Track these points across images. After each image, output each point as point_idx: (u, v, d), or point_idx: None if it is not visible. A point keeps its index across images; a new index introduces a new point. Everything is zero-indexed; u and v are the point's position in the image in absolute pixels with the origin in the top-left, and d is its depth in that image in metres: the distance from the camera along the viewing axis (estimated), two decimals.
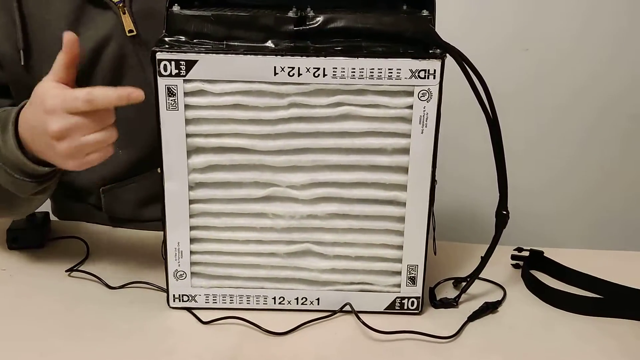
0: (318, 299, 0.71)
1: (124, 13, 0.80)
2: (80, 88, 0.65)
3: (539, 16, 1.31)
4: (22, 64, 0.80)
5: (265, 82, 0.64)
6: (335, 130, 0.66)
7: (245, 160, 0.67)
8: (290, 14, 0.64)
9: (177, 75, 0.63)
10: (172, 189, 0.67)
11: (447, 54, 0.64)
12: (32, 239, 0.84)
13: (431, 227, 0.70)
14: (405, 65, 0.63)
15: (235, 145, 0.66)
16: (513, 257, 0.84)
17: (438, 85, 0.64)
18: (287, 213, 0.68)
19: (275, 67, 0.63)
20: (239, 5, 0.67)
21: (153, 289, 0.75)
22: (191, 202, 0.68)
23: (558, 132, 1.37)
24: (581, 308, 0.74)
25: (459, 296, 0.74)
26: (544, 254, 0.82)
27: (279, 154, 0.67)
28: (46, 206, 1.00)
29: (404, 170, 0.67)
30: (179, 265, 0.70)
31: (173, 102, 0.64)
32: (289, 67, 0.63)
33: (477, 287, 0.76)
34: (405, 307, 0.72)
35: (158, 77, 0.63)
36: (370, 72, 0.63)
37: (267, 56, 0.63)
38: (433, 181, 0.67)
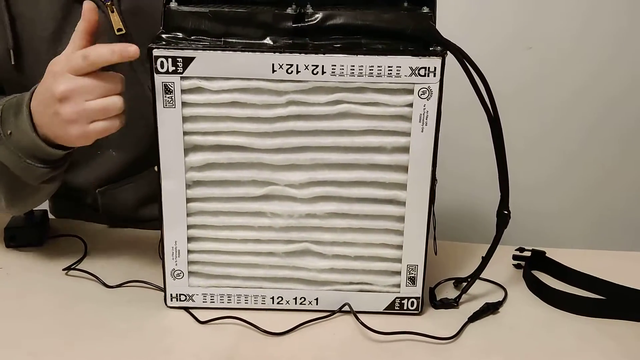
0: (317, 299, 0.71)
1: (112, 12, 0.79)
2: None
3: (540, 15, 1.30)
4: (13, 63, 0.79)
5: (263, 80, 0.63)
6: (334, 129, 0.65)
7: (243, 158, 0.66)
8: (289, 10, 0.64)
9: (174, 72, 0.63)
10: (169, 187, 0.67)
11: (448, 52, 0.63)
12: (30, 237, 0.84)
13: (432, 226, 0.70)
14: (406, 62, 0.62)
15: (233, 143, 0.66)
16: (514, 257, 0.83)
17: (438, 83, 0.63)
18: (285, 212, 0.68)
19: (273, 65, 0.62)
20: (237, 2, 0.66)
21: (151, 288, 0.75)
22: (188, 200, 0.68)
23: (559, 131, 1.37)
24: (582, 309, 0.73)
25: (459, 296, 0.74)
26: (546, 254, 0.82)
27: (277, 152, 0.66)
28: (44, 204, 1.00)
29: (404, 169, 0.66)
30: (177, 264, 0.70)
31: (170, 100, 0.64)
32: (287, 65, 0.62)
33: (477, 287, 0.75)
34: (405, 308, 0.71)
35: (155, 74, 0.63)
36: (370, 70, 0.62)
37: (265, 53, 0.62)
38: (433, 180, 0.67)
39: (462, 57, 0.64)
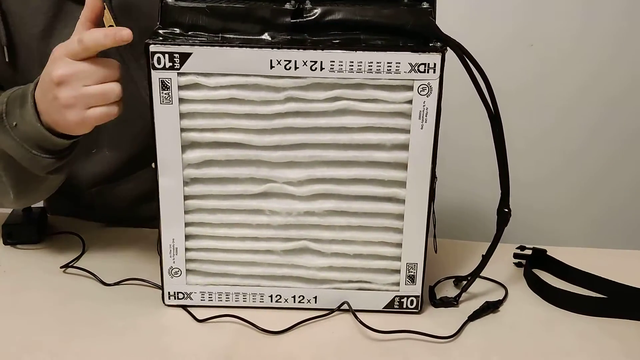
0: (315, 297, 0.70)
1: (104, 8, 0.79)
2: None
3: (541, 12, 1.29)
4: (7, 60, 0.79)
5: (261, 76, 0.62)
6: (333, 125, 0.64)
7: (241, 155, 0.66)
8: (287, 5, 0.63)
9: (171, 68, 0.62)
10: (167, 184, 0.66)
11: (448, 48, 0.62)
12: (28, 235, 0.83)
13: (431, 224, 0.69)
14: (405, 58, 0.61)
15: (230, 140, 0.65)
16: (515, 256, 0.83)
17: (438, 79, 0.62)
18: (283, 210, 0.67)
19: (271, 60, 0.62)
20: None
21: (148, 286, 0.74)
22: (186, 198, 0.67)
23: (560, 129, 1.36)
24: (584, 308, 0.73)
25: (459, 295, 0.73)
26: (547, 253, 0.81)
27: (276, 150, 0.65)
28: (42, 202, 0.99)
29: (403, 166, 0.65)
30: (174, 262, 0.69)
31: (167, 96, 0.63)
32: (285, 60, 0.62)
33: (478, 285, 0.75)
34: (405, 306, 0.70)
35: (152, 69, 0.62)
36: (369, 66, 0.62)
37: (263, 49, 0.61)
38: (433, 178, 0.66)
39: (462, 53, 0.64)
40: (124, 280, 0.75)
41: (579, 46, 1.30)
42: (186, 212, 0.67)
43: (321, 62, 0.62)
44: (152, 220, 0.82)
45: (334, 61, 0.62)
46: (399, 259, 0.69)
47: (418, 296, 0.70)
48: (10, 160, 0.71)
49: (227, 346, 0.65)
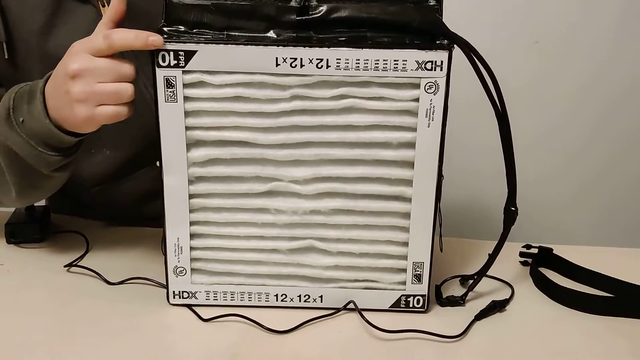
0: (321, 297, 0.70)
1: (104, 6, 0.78)
2: None
3: (545, 9, 1.28)
4: (6, 57, 0.78)
5: (267, 74, 0.62)
6: (339, 124, 0.64)
7: (246, 154, 0.65)
8: (293, 3, 0.62)
9: (176, 66, 0.62)
10: (172, 183, 0.66)
11: (455, 45, 0.62)
12: (31, 233, 0.83)
13: (437, 223, 0.68)
14: (412, 56, 0.61)
15: (236, 138, 0.65)
16: (521, 254, 0.82)
17: (445, 77, 0.62)
18: (289, 208, 0.67)
19: (277, 58, 0.61)
20: None
21: (153, 285, 0.74)
22: (191, 196, 0.67)
23: (565, 126, 1.36)
24: (591, 307, 0.72)
25: (466, 294, 0.73)
26: (553, 251, 0.81)
27: (281, 148, 0.65)
28: (44, 201, 0.99)
29: (410, 164, 0.65)
30: (179, 261, 0.69)
31: (172, 94, 0.63)
32: (291, 58, 0.61)
33: (484, 284, 0.74)
34: (411, 305, 0.70)
35: (156, 67, 0.62)
36: (375, 64, 0.61)
37: (269, 47, 0.61)
38: (440, 176, 0.66)
39: (470, 51, 0.63)
40: (128, 279, 0.75)
41: (581, 44, 1.30)
42: (191, 211, 0.67)
43: (327, 59, 0.61)
44: (153, 219, 0.82)
45: (340, 59, 0.61)
46: (405, 257, 0.68)
47: (424, 295, 0.70)
48: (15, 158, 0.71)
49: (232, 345, 0.65)
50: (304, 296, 0.70)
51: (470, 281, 0.75)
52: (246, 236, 0.68)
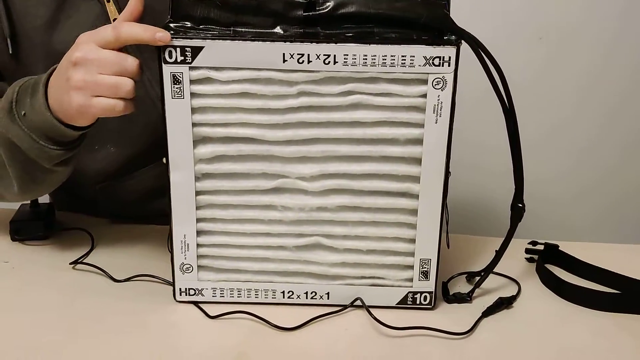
0: (328, 294, 0.70)
1: (108, 1, 0.78)
2: None
3: (549, 4, 1.28)
4: (10, 52, 0.78)
5: (274, 70, 0.61)
6: (346, 120, 0.64)
7: (253, 150, 0.65)
8: None
9: (183, 62, 0.61)
10: (178, 180, 0.65)
11: (463, 41, 0.62)
12: (36, 231, 0.83)
13: (444, 220, 0.68)
14: (419, 52, 0.61)
15: (242, 135, 0.64)
16: (527, 251, 0.82)
17: (453, 73, 0.62)
18: (296, 205, 0.67)
19: (284, 54, 0.61)
20: None
21: (159, 282, 0.74)
22: (197, 193, 0.66)
23: (572, 122, 1.35)
24: (598, 304, 0.72)
25: (472, 291, 0.73)
26: (559, 248, 0.80)
27: (288, 144, 0.65)
28: (48, 198, 0.99)
29: (417, 161, 0.65)
30: (186, 258, 0.68)
31: (178, 90, 0.62)
32: (298, 54, 0.61)
33: (490, 281, 0.74)
34: (418, 302, 0.70)
35: (163, 64, 0.61)
36: (383, 59, 0.61)
37: (276, 42, 0.61)
38: (447, 172, 0.65)
39: (477, 47, 0.63)
40: (134, 276, 0.75)
41: (585, 40, 1.29)
42: (198, 207, 0.67)
43: (334, 55, 0.61)
44: (157, 217, 0.82)
45: (347, 55, 0.61)
46: (412, 254, 0.68)
47: (431, 292, 0.69)
48: (17, 151, 0.71)
49: (239, 342, 0.65)
50: (311, 293, 0.70)
51: (476, 278, 0.74)
52: (253, 233, 0.68)
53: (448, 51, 0.61)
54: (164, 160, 0.65)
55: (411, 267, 0.69)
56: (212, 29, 0.62)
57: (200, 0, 0.62)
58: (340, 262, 0.69)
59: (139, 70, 0.64)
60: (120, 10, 0.79)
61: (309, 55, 0.61)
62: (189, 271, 0.69)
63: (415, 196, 0.66)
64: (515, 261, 0.80)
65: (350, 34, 0.62)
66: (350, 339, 0.66)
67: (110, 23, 0.78)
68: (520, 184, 0.69)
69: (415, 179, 0.65)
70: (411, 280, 0.69)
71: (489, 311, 0.70)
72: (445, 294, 0.72)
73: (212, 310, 0.68)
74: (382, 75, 0.62)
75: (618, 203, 1.40)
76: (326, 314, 0.68)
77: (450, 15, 0.63)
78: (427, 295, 0.70)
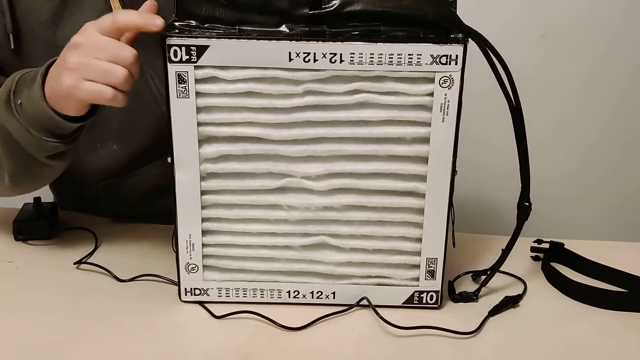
0: (334, 293, 0.69)
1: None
2: None
3: (552, 2, 1.27)
4: (12, 47, 0.77)
5: (280, 69, 0.61)
6: (353, 119, 0.63)
7: (258, 150, 0.64)
8: None
9: (188, 61, 0.61)
10: (183, 179, 0.65)
11: (470, 39, 0.61)
12: (39, 230, 0.83)
13: (450, 219, 0.68)
14: (426, 50, 0.60)
15: (248, 134, 0.64)
16: (532, 249, 0.82)
17: (460, 71, 0.61)
18: (302, 204, 0.66)
19: (290, 53, 0.60)
20: None
21: (164, 282, 0.73)
22: (203, 193, 0.66)
23: (575, 120, 1.35)
24: (604, 302, 0.72)
25: (478, 290, 0.72)
26: (564, 246, 0.80)
27: (294, 144, 0.64)
28: (51, 197, 0.98)
29: (424, 160, 0.64)
30: (191, 258, 0.68)
31: (184, 90, 0.62)
32: (304, 53, 0.60)
33: (496, 280, 0.74)
34: (424, 301, 0.70)
35: (168, 63, 0.61)
36: (390, 58, 0.61)
37: (282, 41, 0.60)
38: (453, 171, 0.65)
39: (485, 45, 0.62)
40: (139, 276, 0.74)
41: (587, 38, 1.28)
42: (203, 207, 0.66)
43: (341, 54, 0.60)
44: (160, 216, 0.81)
45: (354, 53, 0.60)
46: (418, 253, 0.68)
47: (438, 291, 0.69)
48: (12, 142, 0.70)
49: (245, 342, 0.64)
50: (317, 293, 0.69)
51: (482, 277, 0.74)
52: (258, 233, 0.68)
53: (455, 49, 0.60)
54: (169, 159, 0.65)
55: (417, 266, 0.68)
56: (217, 28, 0.62)
57: None
58: (346, 262, 0.69)
59: (136, 63, 0.63)
60: (124, 6, 0.78)
61: (315, 54, 0.60)
62: (195, 271, 0.69)
63: (421, 195, 0.66)
64: (520, 259, 0.80)
65: (357, 33, 0.61)
66: (357, 338, 0.66)
67: None
68: (527, 182, 0.69)
69: (422, 178, 0.65)
70: (417, 279, 0.69)
71: (496, 310, 0.70)
72: (451, 293, 0.72)
73: (218, 310, 0.68)
74: (389, 74, 0.61)
75: (623, 202, 1.40)
76: (332, 314, 0.68)
77: (457, 13, 0.63)
78: (434, 294, 0.69)
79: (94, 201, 0.89)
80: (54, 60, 0.67)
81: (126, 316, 0.68)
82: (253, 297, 0.70)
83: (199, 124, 0.63)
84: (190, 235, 0.67)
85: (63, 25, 0.78)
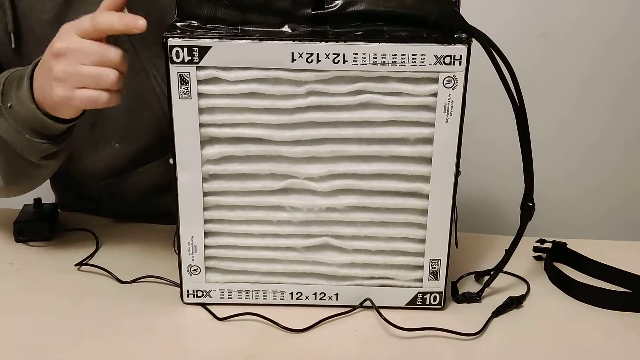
0: (337, 294, 0.69)
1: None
2: None
3: (553, 0, 1.27)
4: (13, 47, 0.77)
5: (282, 69, 0.61)
6: (356, 120, 0.63)
7: (261, 151, 0.64)
8: None
9: (190, 62, 0.60)
10: (185, 180, 0.65)
11: (474, 39, 0.61)
12: (40, 232, 0.82)
13: (453, 219, 0.68)
14: (430, 50, 0.60)
15: (250, 135, 0.63)
16: (535, 249, 0.82)
17: (464, 71, 0.61)
18: (304, 206, 0.66)
19: (292, 53, 0.60)
20: None
21: (166, 284, 0.73)
22: (205, 194, 0.66)
23: (577, 119, 1.34)
24: (608, 302, 0.72)
25: (482, 290, 0.72)
26: (567, 246, 0.80)
27: (297, 145, 0.64)
28: (53, 198, 0.98)
29: (427, 160, 0.64)
30: (193, 259, 0.68)
31: (186, 91, 0.61)
32: (307, 53, 0.60)
33: (499, 280, 0.74)
34: (427, 302, 0.69)
35: (170, 64, 0.60)
36: (393, 58, 0.60)
37: (284, 42, 0.60)
38: (457, 172, 0.65)
39: (489, 45, 0.62)
40: (140, 277, 0.74)
41: (588, 37, 1.28)
42: (205, 208, 0.66)
43: (344, 54, 0.60)
44: (162, 215, 0.81)
45: (357, 54, 0.60)
46: (422, 254, 0.68)
47: (441, 292, 0.69)
48: (4, 145, 0.70)
49: (248, 345, 0.64)
50: (320, 294, 0.69)
51: (485, 277, 0.74)
52: (261, 234, 0.67)
53: (459, 50, 0.60)
54: (171, 161, 0.64)
55: (421, 267, 0.68)
56: (219, 28, 0.61)
57: None
58: (349, 263, 0.68)
59: (124, 61, 0.63)
60: (129, 4, 0.78)
61: (317, 54, 0.60)
62: (197, 273, 0.68)
63: (425, 196, 0.66)
64: (523, 259, 0.80)
65: (360, 33, 0.61)
66: (360, 340, 0.65)
67: None
68: (530, 182, 0.69)
69: (425, 178, 0.65)
70: (421, 280, 0.69)
71: (499, 311, 0.69)
72: (454, 294, 0.72)
73: (220, 312, 0.68)
74: (392, 74, 0.61)
75: (624, 201, 1.39)
76: (335, 315, 0.68)
77: (461, 13, 0.62)
78: (437, 295, 0.69)
79: (96, 201, 0.89)
80: (39, 60, 0.66)
81: (128, 318, 0.68)
82: (256, 298, 0.69)
83: (201, 125, 0.63)
84: (192, 236, 0.67)
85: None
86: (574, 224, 1.38)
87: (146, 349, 0.64)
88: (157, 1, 0.75)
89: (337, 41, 0.60)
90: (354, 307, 0.69)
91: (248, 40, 0.60)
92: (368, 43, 0.60)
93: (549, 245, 0.81)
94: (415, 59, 0.60)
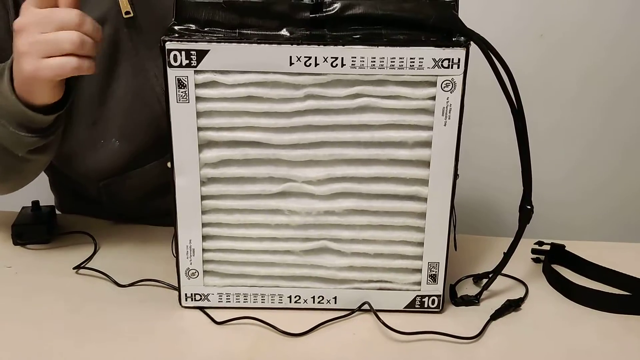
0: (335, 298, 0.69)
1: None
2: None
3: (551, 1, 1.27)
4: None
5: (281, 73, 0.61)
6: (354, 123, 0.63)
7: (259, 154, 0.64)
8: (306, 0, 0.61)
9: (188, 65, 0.60)
10: (183, 184, 0.65)
11: (472, 42, 0.61)
12: (38, 234, 0.82)
13: (452, 222, 0.68)
14: (428, 54, 0.60)
15: (248, 139, 0.63)
16: (533, 251, 0.82)
17: (462, 75, 0.61)
18: (303, 209, 0.66)
19: (290, 57, 0.60)
20: None
21: (164, 287, 0.73)
22: (203, 198, 0.66)
23: (573, 120, 1.34)
24: (606, 305, 0.72)
25: (480, 293, 0.72)
26: (565, 248, 0.80)
27: (295, 148, 0.64)
28: (52, 200, 0.98)
29: (426, 164, 0.64)
30: (191, 263, 0.68)
31: (184, 94, 0.61)
32: (305, 57, 0.60)
33: (497, 283, 0.74)
34: (426, 306, 0.69)
35: (168, 67, 0.60)
36: (391, 62, 0.60)
37: (282, 45, 0.60)
38: (455, 175, 0.65)
39: (487, 48, 0.62)
40: (138, 281, 0.74)
41: (586, 38, 1.28)
42: (203, 212, 0.66)
43: (342, 58, 0.60)
44: (161, 216, 0.81)
45: (355, 57, 0.60)
46: (420, 258, 0.68)
47: (440, 295, 0.69)
48: None
49: (246, 349, 0.64)
50: (318, 297, 0.69)
51: (483, 280, 0.74)
52: (259, 237, 0.67)
53: (457, 53, 0.60)
54: (169, 164, 0.64)
55: (419, 270, 0.68)
56: (217, 32, 0.61)
57: (205, 3, 0.61)
58: (347, 266, 0.68)
59: (85, 22, 0.62)
60: (132, 3, 0.77)
61: (316, 57, 0.60)
62: (195, 276, 0.68)
63: (423, 199, 0.65)
64: (521, 262, 0.80)
65: (358, 36, 0.61)
66: (359, 343, 0.65)
67: (123, 16, 0.77)
68: (529, 185, 0.69)
69: (424, 182, 0.65)
70: (419, 283, 0.69)
71: (497, 314, 0.69)
72: (452, 297, 0.72)
73: (219, 315, 0.68)
74: (390, 78, 0.61)
75: (623, 203, 1.39)
76: (334, 319, 0.68)
77: (459, 16, 0.62)
78: (435, 298, 0.69)
79: (96, 202, 0.89)
80: None
81: (126, 322, 0.68)
82: (254, 302, 0.69)
83: (199, 129, 0.63)
84: (190, 240, 0.67)
85: None
86: (573, 225, 1.38)
87: (144, 353, 0.64)
88: (161, 1, 0.75)
89: (335, 44, 0.60)
90: (352, 311, 0.69)
91: (246, 44, 0.60)
92: (366, 46, 0.60)
93: (547, 248, 0.81)
94: (414, 62, 0.60)
